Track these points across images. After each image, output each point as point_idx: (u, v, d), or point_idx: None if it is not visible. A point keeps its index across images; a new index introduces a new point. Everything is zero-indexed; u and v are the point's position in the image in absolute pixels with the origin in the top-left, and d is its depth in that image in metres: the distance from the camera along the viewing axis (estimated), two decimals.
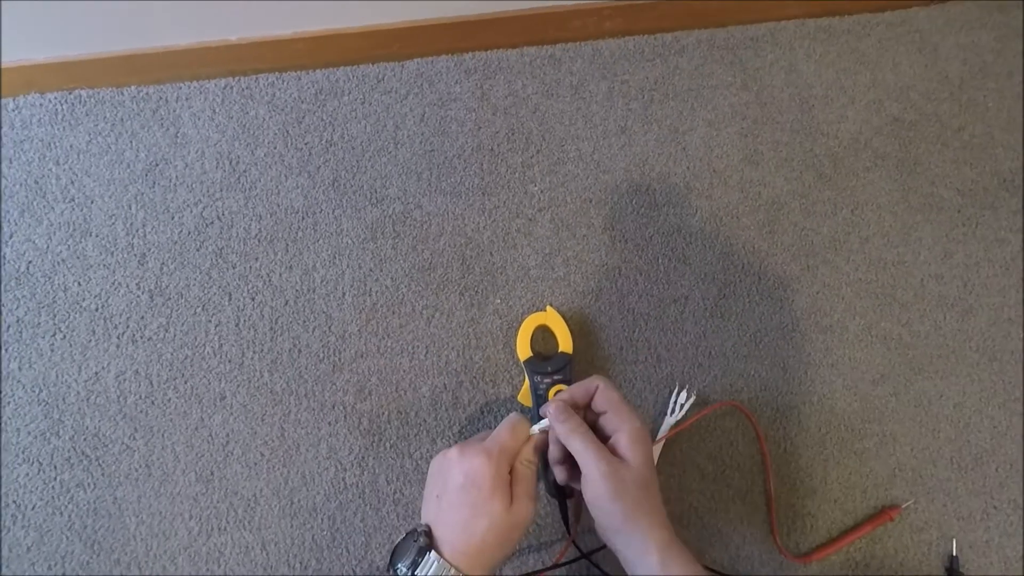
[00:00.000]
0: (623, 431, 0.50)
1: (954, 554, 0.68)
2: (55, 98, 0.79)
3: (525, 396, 0.69)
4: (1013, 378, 0.73)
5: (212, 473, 0.69)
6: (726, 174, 0.78)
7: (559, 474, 0.56)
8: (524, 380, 0.69)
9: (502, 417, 0.70)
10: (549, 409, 0.53)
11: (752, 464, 0.70)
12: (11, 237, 0.75)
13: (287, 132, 0.79)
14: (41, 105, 0.79)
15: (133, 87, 0.80)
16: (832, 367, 0.73)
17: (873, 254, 0.76)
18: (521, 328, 0.71)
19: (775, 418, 0.71)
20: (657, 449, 0.67)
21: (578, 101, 0.81)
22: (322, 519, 0.68)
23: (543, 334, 0.72)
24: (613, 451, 0.50)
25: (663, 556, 0.47)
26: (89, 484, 0.69)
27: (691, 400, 0.69)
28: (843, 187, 0.78)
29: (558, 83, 0.81)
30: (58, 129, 0.79)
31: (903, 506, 0.68)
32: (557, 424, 0.52)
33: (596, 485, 0.48)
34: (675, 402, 0.69)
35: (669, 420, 0.68)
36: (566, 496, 0.64)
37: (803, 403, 0.71)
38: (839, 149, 0.80)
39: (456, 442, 0.57)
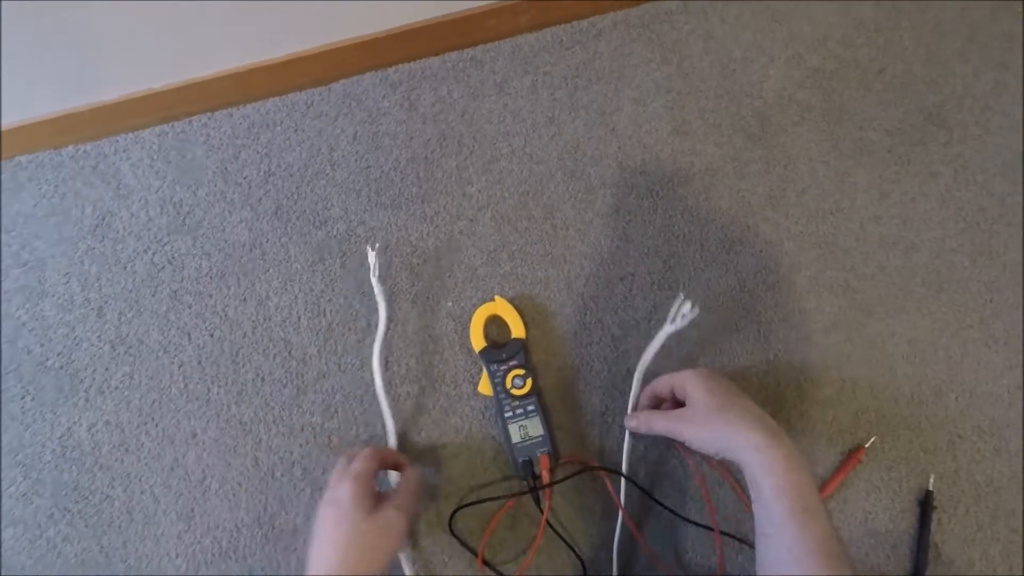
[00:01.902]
0: (694, 392, 0.58)
1: (930, 488, 0.69)
2: None
3: (485, 386, 0.70)
4: (962, 306, 0.74)
5: (192, 510, 0.71)
6: (657, 149, 0.79)
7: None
8: (482, 372, 0.70)
9: (466, 416, 0.72)
10: (629, 424, 0.66)
11: None
12: None
13: (225, 169, 0.81)
14: None
15: (71, 147, 0.82)
16: (784, 321, 0.74)
17: (811, 205, 0.77)
18: (472, 321, 0.72)
19: (733, 379, 0.71)
20: (651, 349, 0.65)
21: (504, 98, 0.82)
22: (304, 540, 0.69)
23: (496, 325, 0.73)
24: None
25: (761, 457, 0.51)
26: (74, 537, 0.70)
27: (695, 312, 0.61)
28: (773, 144, 0.79)
29: (482, 83, 0.83)
30: (3, 198, 0.80)
31: (867, 445, 0.69)
32: (640, 428, 0.64)
33: (686, 430, 0.57)
34: (676, 311, 0.62)
35: (668, 328, 0.63)
36: (535, 476, 0.65)
37: (759, 361, 0.72)
38: (765, 108, 0.81)
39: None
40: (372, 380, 0.68)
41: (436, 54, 0.83)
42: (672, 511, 0.67)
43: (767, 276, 0.75)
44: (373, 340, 0.68)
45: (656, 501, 0.67)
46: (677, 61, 0.83)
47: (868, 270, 0.75)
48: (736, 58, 0.83)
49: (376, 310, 0.68)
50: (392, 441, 0.69)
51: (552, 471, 0.67)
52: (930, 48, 0.83)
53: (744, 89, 0.82)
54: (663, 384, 0.62)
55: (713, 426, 0.55)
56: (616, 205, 0.78)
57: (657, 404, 0.65)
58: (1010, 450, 0.70)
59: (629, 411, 0.67)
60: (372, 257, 0.66)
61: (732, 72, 0.82)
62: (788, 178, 0.78)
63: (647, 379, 0.66)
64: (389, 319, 0.67)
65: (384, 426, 0.69)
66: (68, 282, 0.78)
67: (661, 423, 0.60)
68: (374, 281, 0.67)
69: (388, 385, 0.71)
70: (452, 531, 0.68)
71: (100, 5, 0.66)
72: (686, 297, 0.62)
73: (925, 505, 0.67)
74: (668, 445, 0.70)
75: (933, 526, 0.67)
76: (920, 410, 0.71)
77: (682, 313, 0.62)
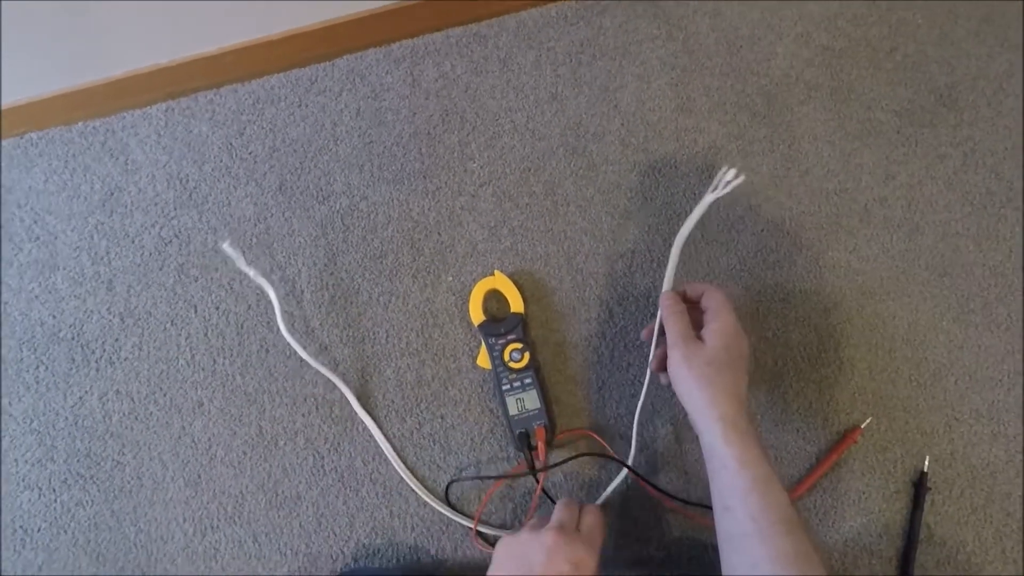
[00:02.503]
0: (714, 322, 0.57)
1: (925, 470, 0.69)
2: (8, 144, 0.83)
3: (484, 360, 0.71)
4: (965, 291, 0.73)
5: (199, 476, 0.73)
6: (660, 126, 0.79)
7: (656, 362, 0.62)
8: (481, 345, 0.71)
9: (465, 389, 0.73)
10: (663, 299, 0.61)
11: None
12: None
13: (231, 144, 0.82)
14: None
15: (80, 123, 0.83)
16: (783, 301, 0.74)
17: (815, 186, 0.77)
18: (472, 295, 0.73)
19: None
20: (692, 219, 0.62)
21: (507, 74, 0.82)
22: (307, 506, 0.71)
23: (495, 299, 0.74)
24: (700, 338, 0.57)
25: (724, 428, 0.52)
26: (87, 501, 0.73)
27: (739, 179, 0.60)
28: (778, 123, 0.79)
29: (486, 59, 0.82)
30: (15, 173, 0.82)
31: (863, 425, 0.69)
32: (663, 307, 0.60)
33: (672, 361, 0.56)
34: (720, 179, 0.60)
35: (708, 198, 0.61)
36: (531, 449, 0.67)
37: (758, 340, 0.73)
38: (771, 86, 0.80)
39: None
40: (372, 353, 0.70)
41: (439, 29, 0.83)
42: (672, 496, 0.68)
43: (768, 256, 0.75)
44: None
45: (658, 489, 0.68)
46: (683, 38, 0.82)
47: (871, 252, 0.75)
48: (743, 35, 0.82)
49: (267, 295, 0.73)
50: (352, 400, 0.72)
51: (548, 443, 0.68)
52: (944, 28, 0.81)
53: (750, 67, 0.81)
54: (696, 290, 0.62)
55: (702, 382, 0.54)
56: (618, 182, 0.78)
57: (682, 301, 0.62)
58: (1008, 435, 0.70)
59: (664, 287, 0.63)
60: (229, 250, 0.67)
61: (739, 49, 0.81)
62: (792, 157, 0.77)
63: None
64: (279, 294, 0.71)
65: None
66: (79, 255, 0.79)
67: (672, 325, 0.59)
68: (246, 269, 0.68)
69: (323, 351, 0.75)
70: (448, 501, 0.69)
71: None
72: (730, 166, 0.60)
73: (919, 486, 0.68)
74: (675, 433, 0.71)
75: (927, 507, 0.67)
76: (918, 392, 0.71)
77: (725, 180, 0.59)
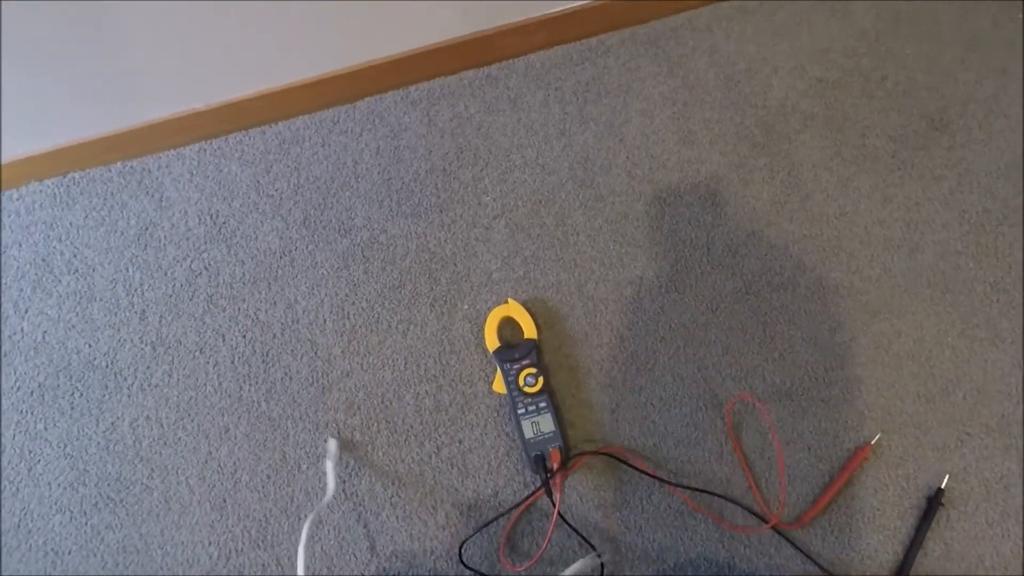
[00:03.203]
0: None
1: (942, 487, 0.69)
2: (52, 183, 0.88)
3: (499, 385, 0.73)
4: (967, 307, 0.75)
5: (224, 501, 0.75)
6: (664, 158, 0.83)
7: None
8: (496, 371, 0.74)
9: (481, 414, 0.75)
10: None
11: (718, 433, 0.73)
12: (26, 312, 0.84)
13: (258, 182, 0.87)
14: (40, 191, 0.88)
15: (119, 163, 0.89)
16: (789, 323, 0.76)
17: (815, 210, 0.80)
18: (487, 322, 0.76)
19: (740, 378, 0.74)
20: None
21: (518, 113, 0.87)
22: (328, 530, 0.73)
23: (510, 326, 0.77)
24: None
25: None
26: (116, 525, 0.75)
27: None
28: (777, 152, 0.82)
29: (497, 99, 0.87)
30: (58, 210, 0.88)
31: (872, 441, 0.70)
32: None
33: None
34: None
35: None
36: (548, 471, 0.68)
37: (765, 361, 0.74)
38: (768, 117, 0.84)
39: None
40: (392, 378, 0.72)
41: (454, 72, 0.89)
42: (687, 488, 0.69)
43: (772, 278, 0.77)
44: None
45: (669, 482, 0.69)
46: (683, 75, 0.86)
47: (873, 272, 0.77)
48: (740, 70, 0.86)
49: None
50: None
51: (564, 465, 0.70)
52: (931, 56, 0.85)
53: (748, 100, 0.85)
54: None
55: None
56: (625, 212, 0.81)
57: None
58: (1020, 447, 0.70)
59: None
60: (333, 446, 0.71)
61: (736, 84, 0.85)
62: (792, 184, 0.81)
63: None
64: (333, 498, 0.70)
65: None
66: (114, 287, 0.84)
67: None
68: (329, 465, 0.70)
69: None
70: (463, 562, 0.69)
71: (149, 32, 0.73)
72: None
73: (933, 501, 0.68)
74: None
75: (942, 523, 0.68)
76: (927, 408, 0.72)
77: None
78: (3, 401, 0.80)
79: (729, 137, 0.83)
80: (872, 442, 0.70)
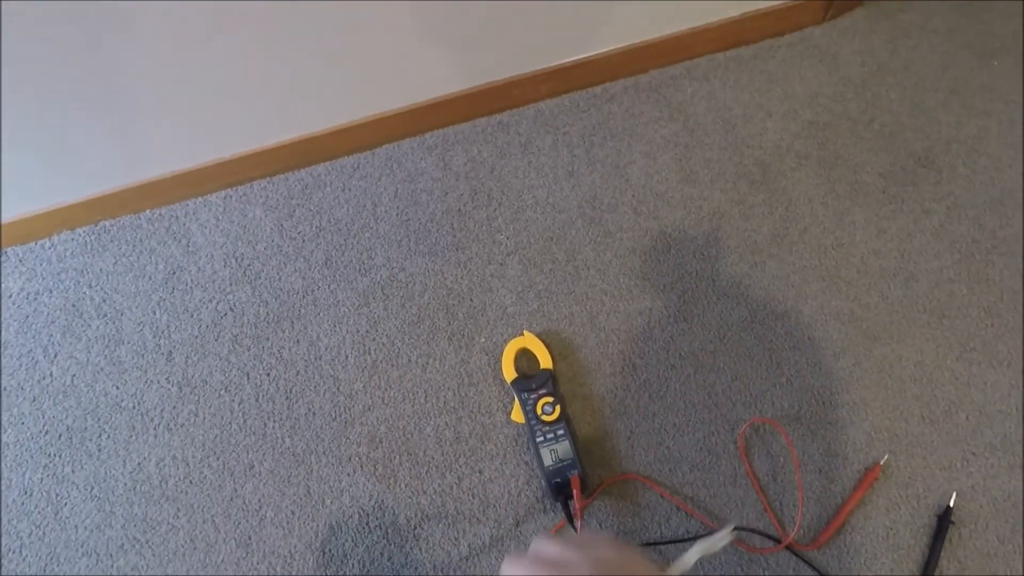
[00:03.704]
0: None
1: (951, 504, 0.71)
2: (83, 232, 0.92)
3: (517, 414, 0.76)
4: (964, 331, 0.78)
5: (250, 538, 0.76)
6: (668, 195, 0.88)
7: None
8: (514, 400, 0.76)
9: (500, 443, 0.77)
10: None
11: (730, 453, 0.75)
12: (56, 356, 0.86)
13: (282, 226, 0.91)
14: (72, 240, 0.92)
15: (148, 211, 0.93)
16: (794, 349, 0.79)
17: (813, 242, 0.84)
18: (504, 354, 0.79)
19: (750, 403, 0.77)
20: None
21: (528, 156, 0.92)
22: (353, 563, 0.74)
23: (525, 358, 0.80)
24: None
25: None
26: (142, 566, 0.76)
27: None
28: (775, 188, 0.87)
29: (509, 144, 0.93)
30: (88, 257, 0.91)
31: (881, 461, 0.72)
32: None
33: None
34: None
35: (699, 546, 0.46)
36: (568, 498, 0.70)
37: (773, 386, 0.77)
38: (765, 157, 0.89)
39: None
40: (412, 411, 0.75)
41: (467, 120, 0.94)
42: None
43: (776, 307, 0.81)
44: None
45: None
46: (683, 119, 0.92)
47: (871, 299, 0.81)
48: (737, 114, 0.92)
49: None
50: None
51: (583, 491, 0.72)
52: (914, 100, 0.91)
53: (745, 141, 0.90)
54: None
55: None
56: (632, 247, 0.85)
57: None
58: (1023, 465, 0.72)
59: None
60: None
61: (733, 127, 0.91)
62: (790, 218, 0.85)
63: None
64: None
65: None
66: (142, 330, 0.87)
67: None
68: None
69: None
70: None
71: (174, 85, 0.78)
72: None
73: (943, 519, 0.70)
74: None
75: (954, 541, 0.69)
76: (932, 429, 0.74)
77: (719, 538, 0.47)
78: (32, 445, 0.82)
79: (729, 175, 0.88)
80: (881, 462, 0.72)
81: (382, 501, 0.76)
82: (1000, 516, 0.71)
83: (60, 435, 0.82)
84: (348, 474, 0.78)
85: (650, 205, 0.87)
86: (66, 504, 0.79)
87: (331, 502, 0.77)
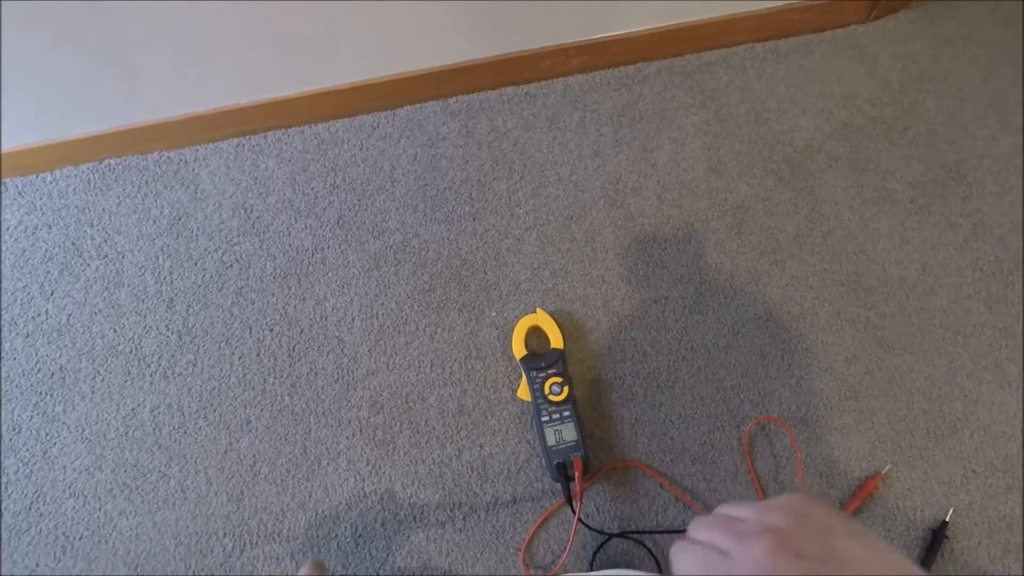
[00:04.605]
0: None
1: (947, 520, 0.71)
2: (87, 168, 0.89)
3: (524, 392, 0.75)
4: (977, 349, 0.78)
5: (242, 492, 0.75)
6: (693, 184, 0.86)
7: None
8: (521, 377, 0.75)
9: (503, 419, 0.76)
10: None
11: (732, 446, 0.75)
12: (52, 294, 0.84)
13: (295, 180, 0.88)
14: (75, 176, 0.89)
15: (156, 153, 0.90)
16: (807, 351, 0.78)
17: (835, 246, 0.83)
18: (515, 330, 0.77)
19: (757, 402, 0.76)
20: None
21: (554, 131, 0.89)
22: (345, 527, 0.73)
23: (536, 336, 0.79)
24: None
25: None
26: (130, 512, 0.75)
27: None
28: (802, 188, 0.85)
29: (535, 117, 0.90)
30: (91, 195, 0.88)
31: (883, 472, 0.72)
32: None
33: None
34: None
35: None
36: (568, 479, 0.69)
37: (782, 386, 0.77)
38: (795, 155, 0.87)
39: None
40: (417, 379, 0.73)
41: (494, 88, 0.91)
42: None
43: (792, 308, 0.80)
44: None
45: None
46: (715, 108, 0.90)
47: (888, 309, 0.80)
48: (770, 108, 0.90)
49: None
50: None
51: (584, 474, 0.71)
52: (951, 111, 0.89)
53: (776, 136, 0.88)
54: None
55: None
56: (653, 233, 0.84)
57: None
58: (1022, 488, 0.73)
59: None
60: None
61: (766, 120, 0.89)
62: (815, 219, 0.84)
63: None
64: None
65: None
66: (143, 274, 0.84)
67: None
68: None
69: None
70: None
71: (195, 23, 0.75)
72: None
73: (937, 533, 0.70)
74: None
75: (946, 556, 0.70)
76: (936, 443, 0.74)
77: None
78: (23, 382, 0.80)
79: (757, 170, 0.86)
80: (883, 472, 0.72)
81: (379, 467, 0.75)
82: (994, 536, 0.71)
83: (53, 374, 0.80)
84: (347, 437, 0.77)
85: (675, 192, 0.85)
86: (55, 444, 0.78)
87: (327, 463, 0.76)
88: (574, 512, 0.69)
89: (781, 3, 0.90)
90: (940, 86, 0.91)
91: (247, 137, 0.90)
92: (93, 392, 0.80)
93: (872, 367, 0.77)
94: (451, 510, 0.73)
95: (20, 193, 0.89)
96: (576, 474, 0.70)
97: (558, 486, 0.72)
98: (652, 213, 0.85)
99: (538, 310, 0.79)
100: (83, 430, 0.78)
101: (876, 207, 0.84)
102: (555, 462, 0.71)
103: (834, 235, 0.83)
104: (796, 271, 0.82)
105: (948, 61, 0.92)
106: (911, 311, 0.80)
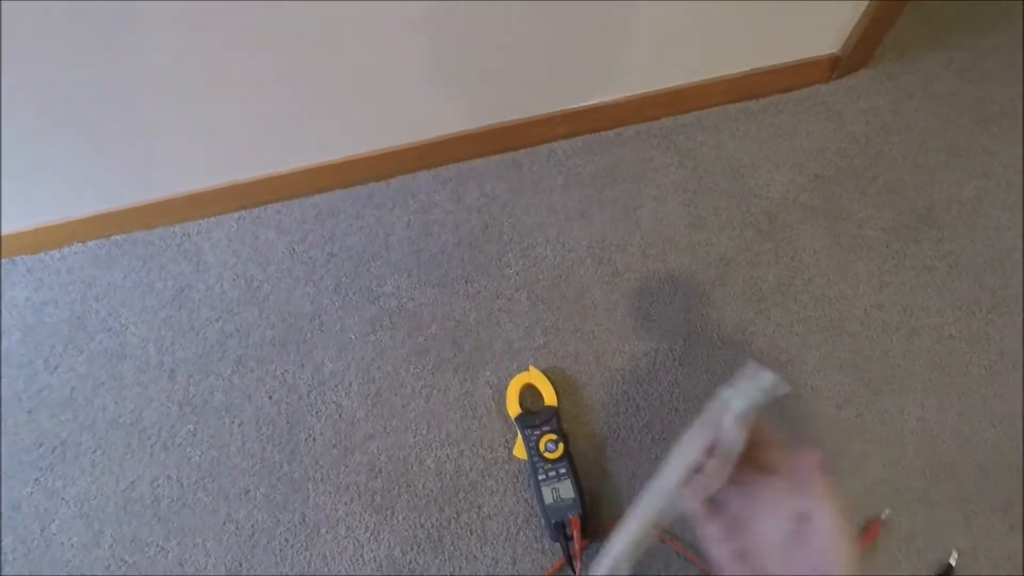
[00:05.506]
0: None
1: (952, 563, 0.71)
2: (95, 244, 0.93)
3: (520, 450, 0.75)
4: (964, 388, 0.79)
5: (240, 564, 0.75)
6: (676, 239, 0.89)
7: None
8: (516, 436, 0.76)
9: (501, 479, 0.76)
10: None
11: None
12: (56, 368, 0.85)
13: (293, 250, 0.91)
14: (83, 252, 0.93)
15: (161, 227, 0.94)
16: (797, 397, 0.79)
17: (817, 292, 0.85)
18: (509, 389, 0.79)
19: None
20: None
21: (540, 195, 0.93)
22: None
23: (530, 393, 0.80)
24: None
25: None
26: None
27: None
28: (781, 238, 0.89)
29: (522, 182, 0.94)
30: (98, 270, 0.91)
31: (883, 516, 0.72)
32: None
33: None
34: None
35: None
36: (567, 538, 0.69)
37: (776, 432, 0.77)
38: (772, 207, 0.91)
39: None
40: (414, 442, 0.74)
41: (482, 156, 0.96)
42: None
43: (779, 355, 0.82)
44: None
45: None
46: (692, 166, 0.94)
47: (874, 352, 0.81)
48: (745, 164, 0.94)
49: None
50: None
51: (583, 532, 0.71)
52: (916, 160, 0.94)
53: (752, 191, 0.92)
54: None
55: None
56: (640, 288, 0.86)
57: None
58: (1023, 527, 0.72)
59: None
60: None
61: (741, 176, 0.93)
62: (795, 268, 0.87)
63: None
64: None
65: None
66: (146, 346, 0.86)
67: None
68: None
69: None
70: None
71: (196, 108, 0.80)
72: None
73: None
74: None
75: None
76: (933, 485, 0.74)
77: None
78: (24, 458, 0.81)
79: (736, 223, 0.90)
80: (883, 516, 0.72)
81: (378, 533, 0.75)
82: None
83: (54, 448, 0.81)
84: (345, 503, 0.77)
85: (658, 248, 0.89)
86: (55, 520, 0.78)
87: (326, 531, 0.76)
88: (574, 572, 0.68)
89: (749, 68, 0.96)
90: (904, 137, 0.96)
91: (248, 210, 0.94)
92: (93, 466, 0.80)
93: (863, 410, 0.78)
94: (451, 575, 0.72)
95: (29, 270, 0.92)
96: (575, 532, 0.70)
97: (558, 545, 0.72)
98: (638, 268, 0.88)
99: (531, 368, 0.81)
100: (82, 505, 0.78)
101: (853, 253, 0.88)
102: (553, 521, 0.71)
103: (815, 282, 0.86)
104: (781, 319, 0.84)
105: (909, 113, 0.98)
106: (896, 353, 0.81)
